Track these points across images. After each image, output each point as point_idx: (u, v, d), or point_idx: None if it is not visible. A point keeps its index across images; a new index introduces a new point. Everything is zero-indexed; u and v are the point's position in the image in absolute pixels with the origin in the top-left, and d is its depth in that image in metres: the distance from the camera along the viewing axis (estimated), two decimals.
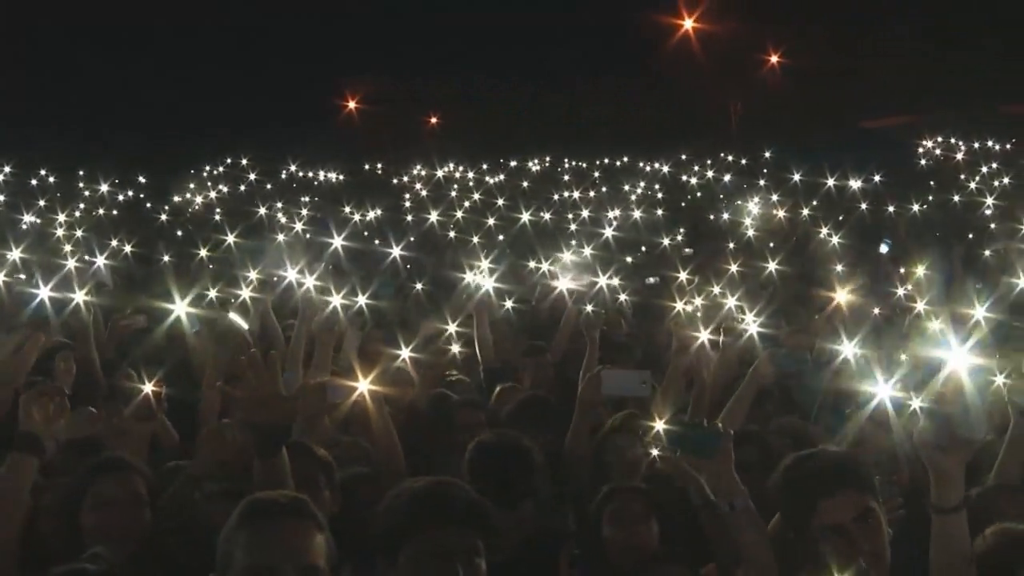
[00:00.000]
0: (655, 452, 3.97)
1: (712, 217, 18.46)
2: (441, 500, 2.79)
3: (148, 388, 4.48)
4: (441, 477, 3.05)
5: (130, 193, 25.27)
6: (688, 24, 35.59)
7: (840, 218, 15.73)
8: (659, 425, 3.42)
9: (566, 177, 25.63)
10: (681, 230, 16.60)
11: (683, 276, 9.27)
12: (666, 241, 14.36)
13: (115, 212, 21.49)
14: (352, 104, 42.70)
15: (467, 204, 19.32)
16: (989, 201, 15.58)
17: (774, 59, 38.09)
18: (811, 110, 36.66)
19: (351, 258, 9.24)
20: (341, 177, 29.03)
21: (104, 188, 22.75)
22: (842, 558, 2.76)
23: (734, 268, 10.09)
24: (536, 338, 7.81)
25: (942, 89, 35.03)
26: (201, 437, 4.21)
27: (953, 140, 26.07)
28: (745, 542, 3.07)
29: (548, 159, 31.70)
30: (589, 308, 6.62)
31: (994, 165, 21.59)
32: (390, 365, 5.82)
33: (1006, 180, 19.33)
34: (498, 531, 2.85)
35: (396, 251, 10.00)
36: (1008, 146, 25.51)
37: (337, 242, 8.17)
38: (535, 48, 40.72)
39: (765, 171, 24.09)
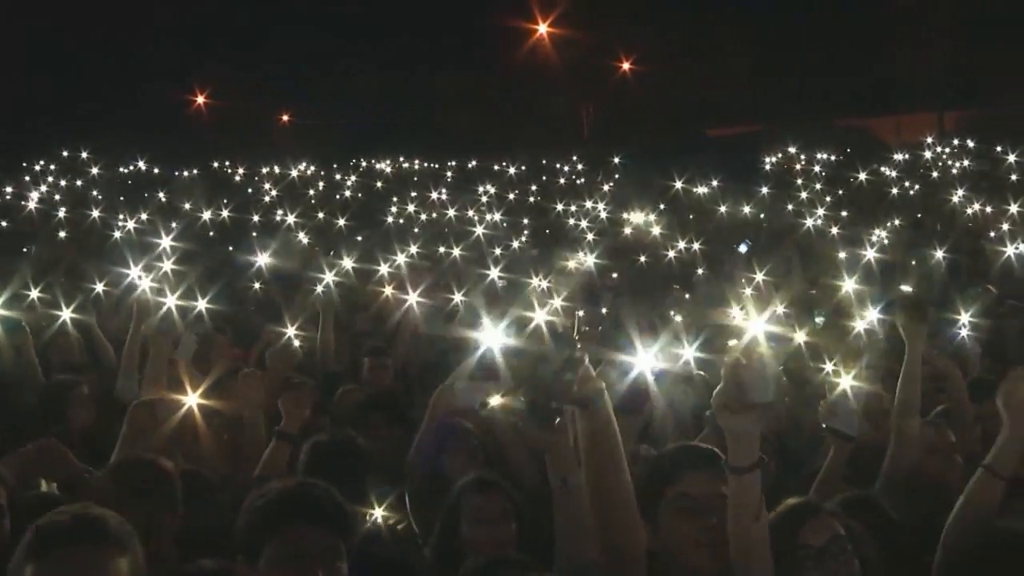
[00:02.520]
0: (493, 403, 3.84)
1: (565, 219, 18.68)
2: (304, 501, 2.76)
3: None
4: (305, 478, 3.04)
5: None
6: (543, 29, 36.06)
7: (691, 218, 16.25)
8: (494, 399, 3.37)
9: (416, 178, 25.57)
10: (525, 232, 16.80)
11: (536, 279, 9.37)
12: (515, 243, 14.46)
13: None
14: (201, 100, 41.56)
15: (318, 204, 19.07)
16: (820, 211, 16.24)
17: (626, 65, 38.96)
18: (660, 116, 37.68)
19: (190, 259, 8.98)
20: (188, 174, 28.26)
21: None
22: (691, 535, 2.92)
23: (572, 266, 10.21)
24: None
25: (782, 101, 36.54)
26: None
27: (791, 150, 27.14)
28: (570, 519, 3.02)
29: (401, 159, 31.60)
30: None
31: (822, 173, 22.62)
32: (229, 373, 5.69)
33: (840, 192, 20.37)
34: (358, 533, 2.84)
35: (258, 256, 9.79)
36: (840, 157, 26.73)
37: (165, 243, 7.90)
38: (389, 48, 40.55)
39: (616, 175, 24.66)
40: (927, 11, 36.43)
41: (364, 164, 30.59)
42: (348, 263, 9.73)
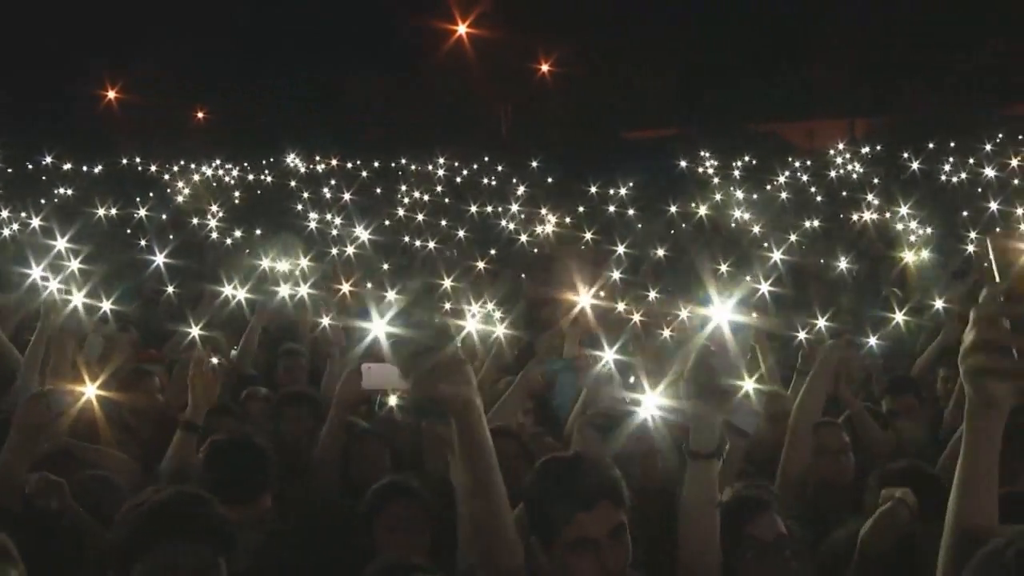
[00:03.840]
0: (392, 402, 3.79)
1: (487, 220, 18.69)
2: (177, 514, 2.66)
3: None
4: (184, 488, 2.91)
5: None
6: (462, 29, 36.03)
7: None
8: (393, 399, 3.35)
9: (333, 180, 25.33)
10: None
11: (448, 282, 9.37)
12: (431, 244, 14.42)
13: None
14: (112, 95, 40.59)
15: (232, 203, 18.81)
16: (736, 214, 16.55)
17: (545, 67, 39.14)
18: (577, 118, 37.96)
19: (96, 258, 8.78)
20: (98, 170, 27.60)
21: None
22: (590, 573, 2.71)
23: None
24: None
25: (698, 105, 37.09)
26: None
27: (705, 153, 27.53)
28: (468, 514, 2.90)
29: (317, 159, 31.29)
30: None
31: (738, 176, 23.02)
32: (135, 368, 5.59)
33: (754, 196, 20.74)
34: (236, 544, 2.77)
35: (162, 258, 9.60)
36: (755, 161, 27.20)
37: (60, 244, 7.70)
38: (306, 46, 40.11)
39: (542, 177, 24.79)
40: (840, 19, 37.36)
41: (280, 162, 30.18)
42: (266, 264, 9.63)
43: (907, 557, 3.21)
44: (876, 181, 21.50)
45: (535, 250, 14.86)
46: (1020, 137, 24.53)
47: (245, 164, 27.94)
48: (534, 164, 27.03)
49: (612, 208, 18.08)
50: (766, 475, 4.58)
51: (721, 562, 2.91)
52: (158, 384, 5.92)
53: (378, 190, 23.16)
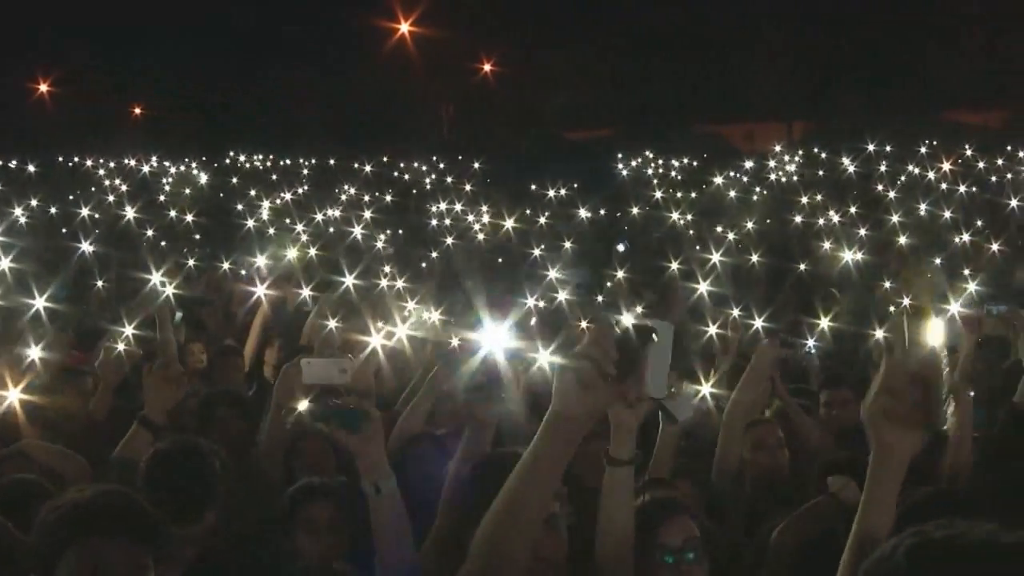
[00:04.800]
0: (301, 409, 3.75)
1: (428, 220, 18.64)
2: (104, 511, 2.57)
3: None
4: (108, 486, 2.82)
5: None
6: (404, 28, 35.86)
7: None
8: (303, 405, 3.33)
9: (274, 176, 25.11)
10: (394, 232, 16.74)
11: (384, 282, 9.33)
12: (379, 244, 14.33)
13: None
14: (45, 88, 39.70)
15: (170, 201, 18.52)
16: (675, 216, 16.65)
17: (487, 67, 39.14)
18: (519, 117, 38.04)
19: (26, 256, 8.61)
20: (31, 167, 26.95)
21: None
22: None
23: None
24: None
25: (639, 106, 37.36)
26: None
27: (649, 154, 27.74)
28: (382, 527, 2.97)
29: (258, 157, 30.98)
30: None
31: (678, 177, 23.23)
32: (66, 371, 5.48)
33: (693, 194, 20.95)
34: (171, 544, 2.72)
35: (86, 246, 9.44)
36: (695, 163, 27.49)
37: None
38: (247, 43, 39.65)
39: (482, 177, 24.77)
40: (780, 23, 37.92)
41: (219, 159, 29.83)
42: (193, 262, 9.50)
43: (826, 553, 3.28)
44: (812, 183, 21.81)
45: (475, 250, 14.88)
46: (968, 144, 24.97)
47: (186, 161, 27.52)
48: (476, 165, 27.01)
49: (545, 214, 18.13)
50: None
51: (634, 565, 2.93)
52: (90, 386, 5.81)
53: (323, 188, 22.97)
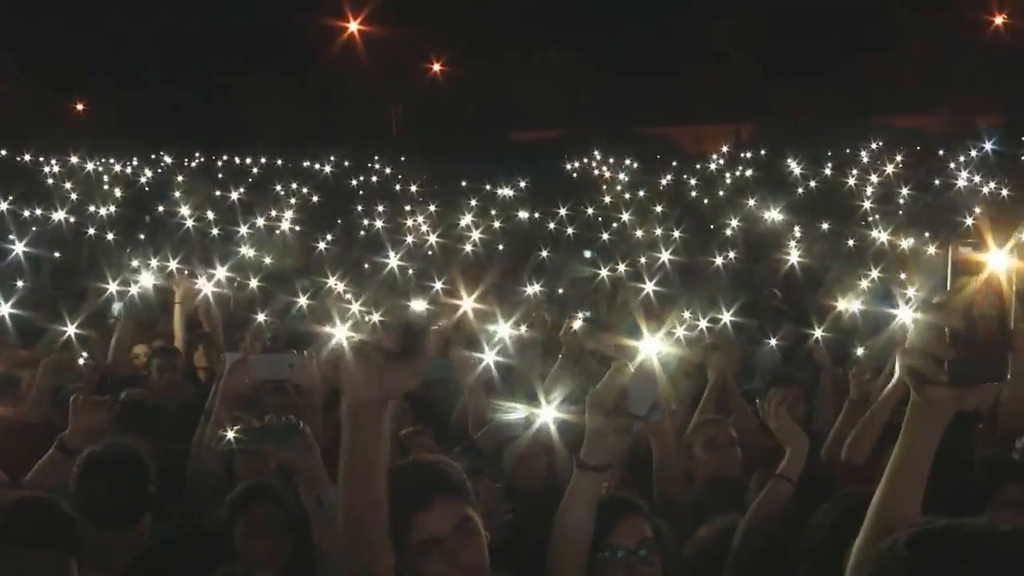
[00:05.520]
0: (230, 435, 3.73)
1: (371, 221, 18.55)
2: (24, 518, 2.54)
3: None
4: (29, 492, 2.79)
5: None
6: (353, 27, 35.65)
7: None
8: (230, 434, 3.30)
9: (221, 175, 24.82)
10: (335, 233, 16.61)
11: (332, 280, 9.27)
12: (321, 244, 14.21)
13: None
14: None
15: (114, 199, 18.20)
16: (625, 217, 16.72)
17: (436, 67, 39.05)
18: (468, 118, 38.02)
19: None
20: None
21: None
22: (444, 573, 2.62)
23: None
24: None
25: (588, 108, 37.53)
26: None
27: (597, 156, 27.84)
28: (327, 537, 2.95)
29: (204, 156, 30.61)
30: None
31: (625, 178, 23.36)
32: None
33: (641, 193, 21.10)
34: (99, 549, 2.65)
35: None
36: (637, 164, 27.62)
37: None
38: (196, 40, 39.22)
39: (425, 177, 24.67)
40: (728, 27, 38.37)
41: (166, 159, 29.41)
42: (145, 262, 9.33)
43: (776, 560, 3.29)
44: (757, 184, 22.07)
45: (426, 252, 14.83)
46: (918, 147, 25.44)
47: (130, 160, 27.10)
48: (424, 163, 26.96)
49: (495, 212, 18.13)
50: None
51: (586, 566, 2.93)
52: (24, 390, 5.69)
53: (274, 187, 22.73)
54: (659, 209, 17.24)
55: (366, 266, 11.53)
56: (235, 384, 4.45)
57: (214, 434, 4.56)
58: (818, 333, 7.11)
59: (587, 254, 14.42)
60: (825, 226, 15.60)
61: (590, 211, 17.41)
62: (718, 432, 4.82)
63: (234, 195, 19.40)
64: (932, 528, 1.65)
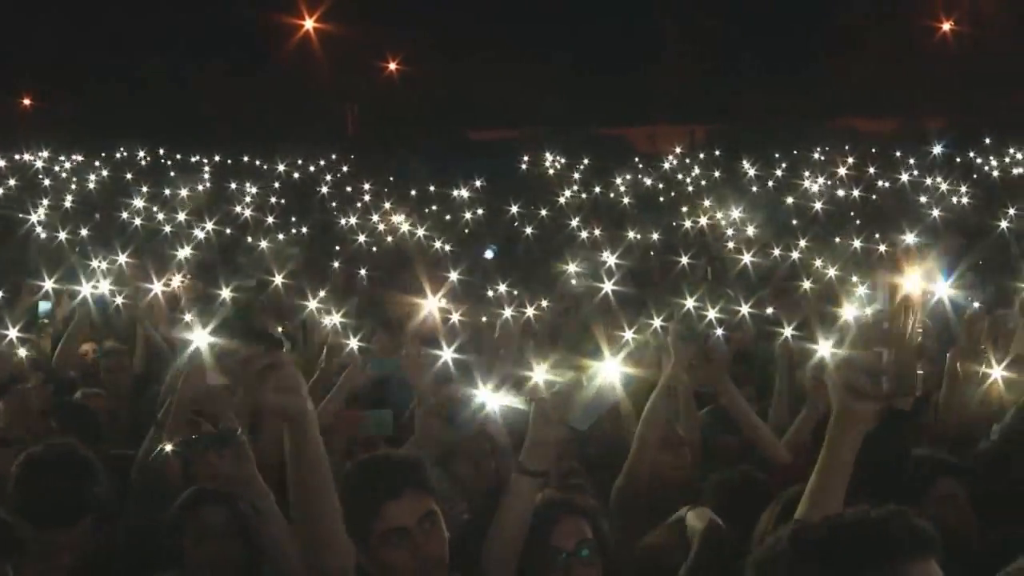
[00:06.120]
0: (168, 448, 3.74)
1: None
2: None
3: None
4: None
5: None
6: (309, 24, 35.40)
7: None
8: (169, 447, 3.37)
9: (173, 172, 24.48)
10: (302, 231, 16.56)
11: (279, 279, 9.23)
12: (263, 243, 14.01)
13: None
14: None
15: (63, 196, 17.90)
16: (574, 222, 16.72)
17: (392, 65, 38.89)
18: (424, 117, 37.93)
19: None
20: None
21: None
22: (406, 563, 2.72)
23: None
24: None
25: (543, 107, 37.55)
26: None
27: (549, 156, 27.82)
28: (270, 541, 3.01)
29: (157, 151, 30.17)
30: None
31: (577, 178, 23.42)
32: None
33: (597, 189, 21.20)
34: (38, 550, 2.60)
35: None
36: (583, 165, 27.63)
37: None
38: (149, 36, 38.66)
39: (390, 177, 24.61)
40: (685, 27, 38.67)
41: (118, 155, 28.96)
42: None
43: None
44: (711, 185, 22.23)
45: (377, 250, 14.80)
46: (846, 147, 25.64)
47: (77, 157, 26.67)
48: (380, 163, 26.84)
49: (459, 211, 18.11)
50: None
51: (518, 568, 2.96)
52: None
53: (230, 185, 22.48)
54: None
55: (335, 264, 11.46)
56: (194, 389, 4.36)
57: (160, 439, 4.51)
58: (787, 332, 7.11)
59: (488, 254, 14.39)
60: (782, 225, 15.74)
61: (543, 212, 17.42)
62: (668, 433, 4.82)
63: (184, 192, 19.19)
64: (811, 523, 1.79)
